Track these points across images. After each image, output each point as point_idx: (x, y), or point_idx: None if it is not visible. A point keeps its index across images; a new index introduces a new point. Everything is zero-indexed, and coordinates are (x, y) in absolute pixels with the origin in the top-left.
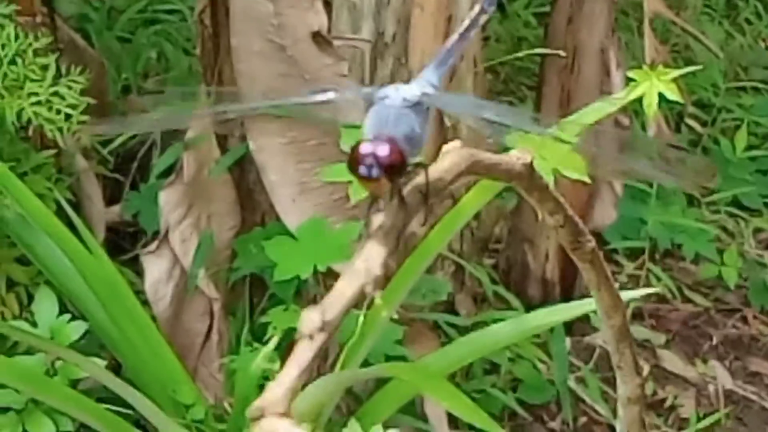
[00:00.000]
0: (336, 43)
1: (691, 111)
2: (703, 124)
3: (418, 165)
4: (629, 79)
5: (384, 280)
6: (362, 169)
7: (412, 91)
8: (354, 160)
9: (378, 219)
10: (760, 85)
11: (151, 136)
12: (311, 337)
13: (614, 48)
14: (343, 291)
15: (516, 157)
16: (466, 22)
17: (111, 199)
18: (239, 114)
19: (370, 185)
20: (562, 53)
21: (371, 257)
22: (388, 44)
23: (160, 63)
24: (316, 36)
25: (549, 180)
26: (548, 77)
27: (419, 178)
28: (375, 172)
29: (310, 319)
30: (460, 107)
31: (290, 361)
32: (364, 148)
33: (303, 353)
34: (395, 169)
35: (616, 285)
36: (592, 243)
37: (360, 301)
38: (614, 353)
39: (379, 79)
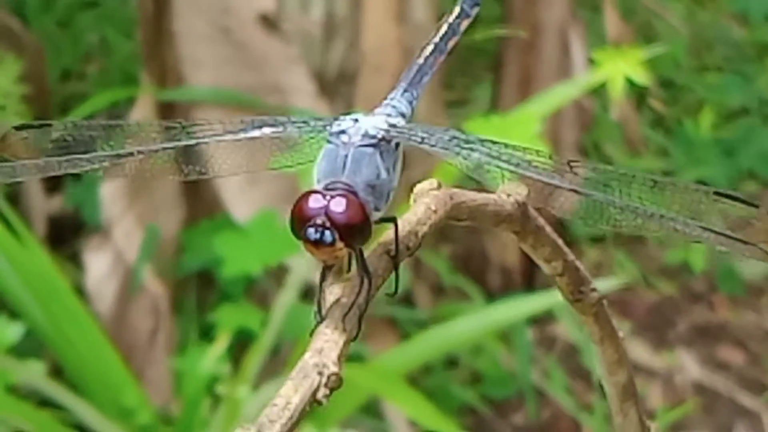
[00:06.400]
0: (284, 25)
1: (653, 90)
2: (666, 103)
3: (384, 220)
4: (591, 59)
5: (340, 379)
6: (310, 232)
7: (376, 123)
8: (299, 219)
9: (333, 295)
10: (724, 64)
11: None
12: None
13: (575, 26)
14: (287, 399)
15: (506, 194)
16: (443, 29)
17: (53, 189)
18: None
19: (322, 252)
20: (521, 33)
21: (325, 349)
22: (339, 26)
23: (102, 47)
24: (264, 19)
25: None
26: (507, 58)
27: (386, 235)
28: (328, 235)
29: None
30: (440, 144)
31: None
32: (313, 203)
33: None
34: (355, 230)
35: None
36: (597, 293)
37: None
38: (617, 414)
39: (330, 63)
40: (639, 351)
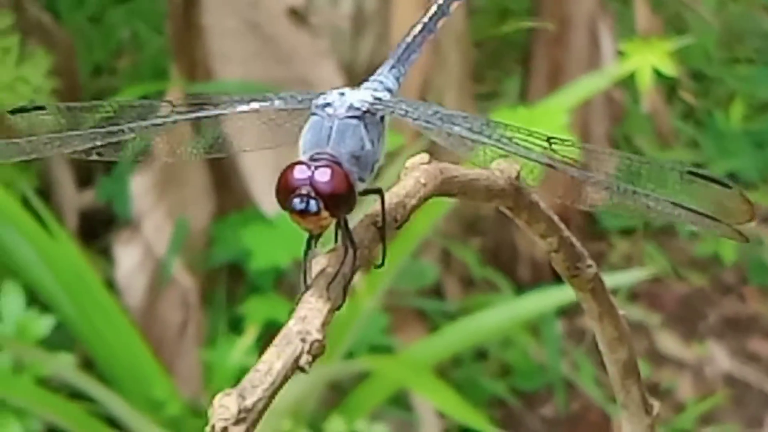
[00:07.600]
0: (313, 19)
1: (683, 82)
2: (697, 95)
3: (370, 191)
4: (621, 51)
5: (323, 346)
6: (296, 202)
7: (361, 96)
8: (284, 189)
9: (319, 265)
10: (755, 56)
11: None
12: (226, 430)
13: (604, 18)
14: (269, 365)
15: (499, 170)
16: (432, 10)
17: (85, 184)
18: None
19: (307, 221)
20: (550, 25)
21: (309, 317)
22: (369, 20)
23: (133, 42)
24: (293, 12)
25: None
26: (536, 50)
27: (374, 207)
28: (313, 204)
29: (222, 407)
30: (423, 118)
31: None
32: (298, 174)
33: None
34: (339, 199)
35: (608, 267)
36: (594, 268)
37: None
38: (619, 391)
39: (360, 57)
40: (669, 343)
